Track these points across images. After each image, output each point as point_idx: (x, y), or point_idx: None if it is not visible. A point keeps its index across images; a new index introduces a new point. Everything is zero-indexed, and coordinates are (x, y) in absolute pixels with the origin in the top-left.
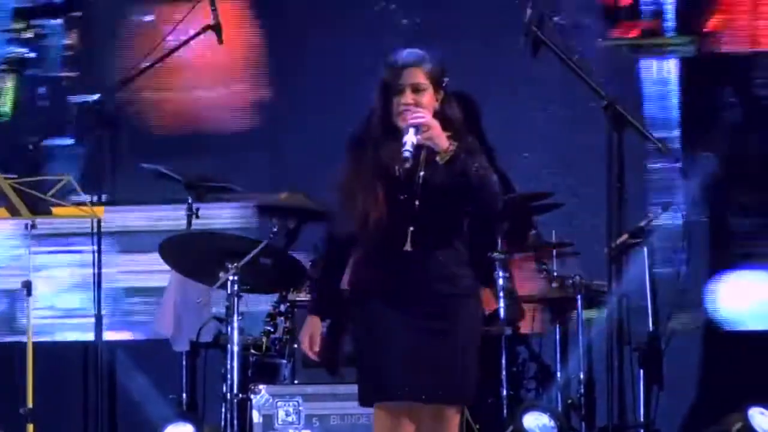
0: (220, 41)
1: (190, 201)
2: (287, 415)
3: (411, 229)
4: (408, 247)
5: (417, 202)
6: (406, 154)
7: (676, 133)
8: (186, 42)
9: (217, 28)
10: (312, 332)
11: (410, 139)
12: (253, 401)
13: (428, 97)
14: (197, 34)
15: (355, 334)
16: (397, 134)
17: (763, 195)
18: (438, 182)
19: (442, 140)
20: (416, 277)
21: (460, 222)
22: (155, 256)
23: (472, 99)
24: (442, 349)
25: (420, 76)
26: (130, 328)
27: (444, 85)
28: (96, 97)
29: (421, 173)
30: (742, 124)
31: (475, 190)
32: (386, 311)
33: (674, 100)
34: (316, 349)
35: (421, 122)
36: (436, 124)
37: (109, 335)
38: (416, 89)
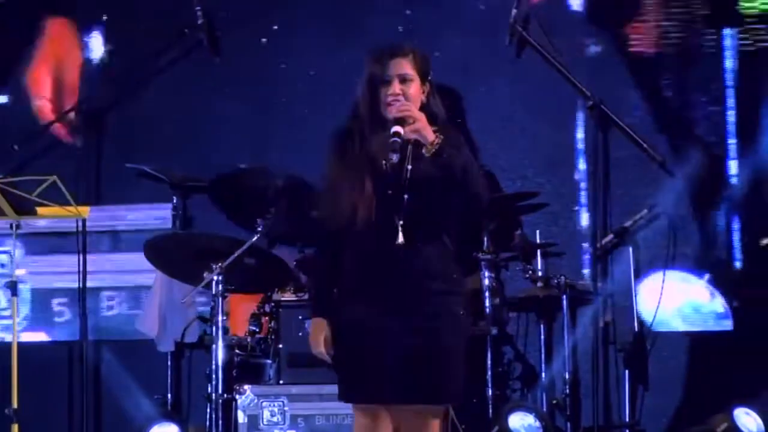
0: (214, 52)
1: (175, 201)
2: (272, 415)
3: (401, 222)
4: (400, 241)
5: (405, 196)
6: (395, 145)
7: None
8: (173, 44)
9: (210, 37)
10: (325, 336)
11: (398, 130)
12: (238, 401)
13: (415, 89)
14: (183, 35)
15: (340, 330)
16: (385, 126)
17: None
18: (425, 175)
19: (428, 132)
20: (407, 271)
21: (447, 217)
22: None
23: (456, 93)
24: (430, 349)
25: (407, 67)
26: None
27: (429, 78)
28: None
29: (408, 167)
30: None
31: (460, 183)
32: (373, 310)
33: None
34: (332, 352)
35: (407, 114)
36: (422, 117)
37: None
38: (403, 80)
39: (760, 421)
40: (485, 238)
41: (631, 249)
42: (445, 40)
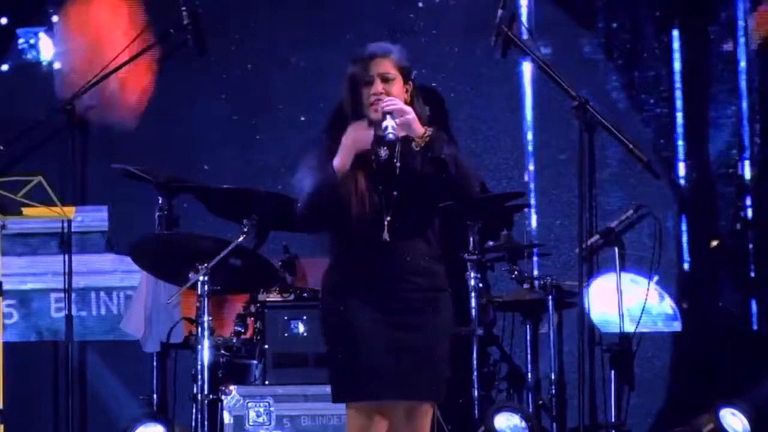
0: (201, 52)
1: (160, 201)
2: (258, 415)
3: (388, 219)
4: (386, 237)
5: (395, 193)
6: (390, 136)
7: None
8: (153, 45)
9: (196, 37)
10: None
11: (389, 123)
12: (224, 402)
13: (398, 88)
14: (169, 35)
15: (328, 330)
16: (369, 126)
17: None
18: (415, 170)
19: (417, 125)
20: (393, 268)
21: (433, 215)
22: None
23: (439, 95)
24: (417, 346)
25: (388, 66)
26: None
27: (413, 77)
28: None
29: (398, 164)
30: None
31: (453, 172)
32: (361, 307)
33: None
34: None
35: (395, 108)
36: (410, 110)
37: None
38: (385, 79)
39: (745, 421)
40: (471, 239)
41: (616, 249)
42: (431, 41)
